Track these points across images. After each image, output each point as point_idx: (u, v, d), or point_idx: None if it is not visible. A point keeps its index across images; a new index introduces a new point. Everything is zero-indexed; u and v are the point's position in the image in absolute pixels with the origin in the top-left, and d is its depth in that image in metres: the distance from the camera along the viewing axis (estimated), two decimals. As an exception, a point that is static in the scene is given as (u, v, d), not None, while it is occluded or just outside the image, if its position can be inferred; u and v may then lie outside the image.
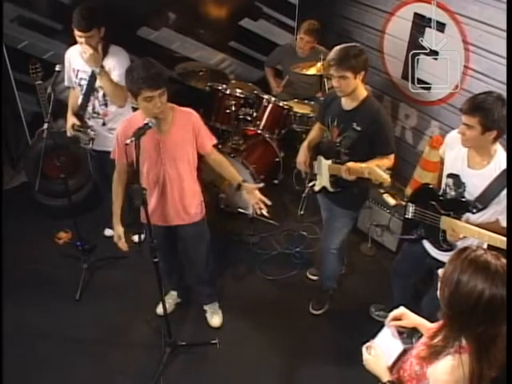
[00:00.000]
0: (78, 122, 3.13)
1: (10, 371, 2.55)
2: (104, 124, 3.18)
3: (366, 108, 2.58)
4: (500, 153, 2.17)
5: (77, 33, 2.84)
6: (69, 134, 3.17)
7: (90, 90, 3.07)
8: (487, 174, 2.17)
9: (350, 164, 2.51)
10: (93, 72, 2.99)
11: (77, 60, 3.03)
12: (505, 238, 1.99)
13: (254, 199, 2.58)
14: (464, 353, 1.39)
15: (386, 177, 2.30)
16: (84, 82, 3.07)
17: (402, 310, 1.79)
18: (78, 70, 3.07)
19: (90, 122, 3.19)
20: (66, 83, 3.23)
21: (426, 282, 2.78)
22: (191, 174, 2.61)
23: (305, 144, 2.98)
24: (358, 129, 2.56)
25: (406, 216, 2.59)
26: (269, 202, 2.56)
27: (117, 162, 2.54)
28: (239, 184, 2.63)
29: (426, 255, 2.53)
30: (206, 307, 3.19)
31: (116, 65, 2.99)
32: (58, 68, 2.92)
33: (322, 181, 2.88)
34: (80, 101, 3.15)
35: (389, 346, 1.71)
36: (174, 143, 2.46)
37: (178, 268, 3.15)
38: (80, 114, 3.18)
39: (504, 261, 1.37)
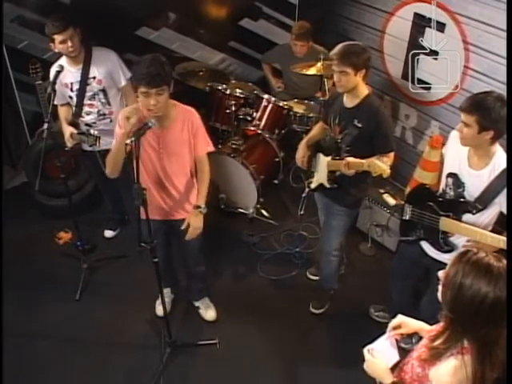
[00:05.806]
0: (75, 131, 3.12)
1: (10, 371, 2.54)
2: (111, 121, 3.16)
3: (367, 105, 2.60)
4: (499, 154, 2.16)
5: (57, 37, 2.86)
6: (69, 144, 3.13)
7: (83, 94, 3.06)
8: (486, 174, 2.16)
9: (350, 158, 2.54)
10: (82, 76, 3.00)
11: (67, 74, 3.01)
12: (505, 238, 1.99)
13: (193, 225, 2.60)
14: (466, 354, 1.39)
15: (385, 168, 2.31)
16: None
17: (400, 318, 1.77)
18: (71, 83, 3.06)
19: (99, 128, 3.17)
20: (57, 102, 3.09)
21: (425, 282, 2.78)
22: (188, 169, 2.62)
23: (304, 141, 2.99)
24: (359, 126, 2.58)
25: (404, 217, 2.58)
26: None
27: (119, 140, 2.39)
28: (196, 205, 2.62)
29: (423, 255, 2.52)
30: (197, 303, 3.20)
31: (113, 70, 3.04)
32: (58, 68, 2.92)
33: (320, 178, 2.89)
34: (74, 109, 3.14)
35: (385, 355, 1.68)
36: (174, 139, 2.47)
37: (173, 264, 3.12)
38: (76, 122, 3.17)
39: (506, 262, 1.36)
